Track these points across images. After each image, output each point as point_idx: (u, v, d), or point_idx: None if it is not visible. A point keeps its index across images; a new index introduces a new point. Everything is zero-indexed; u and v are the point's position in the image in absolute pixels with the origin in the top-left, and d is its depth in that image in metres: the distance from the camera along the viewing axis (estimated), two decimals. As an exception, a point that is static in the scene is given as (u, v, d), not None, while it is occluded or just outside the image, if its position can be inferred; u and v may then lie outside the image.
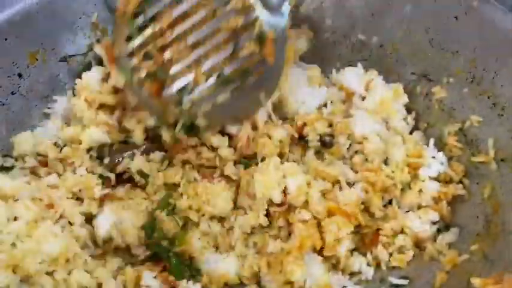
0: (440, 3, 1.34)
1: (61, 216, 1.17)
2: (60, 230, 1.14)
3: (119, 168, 1.28)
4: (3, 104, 1.33)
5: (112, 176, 1.28)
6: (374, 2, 1.48)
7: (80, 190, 1.23)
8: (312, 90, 1.38)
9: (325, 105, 1.38)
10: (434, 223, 1.23)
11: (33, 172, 1.27)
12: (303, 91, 1.37)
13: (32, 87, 1.39)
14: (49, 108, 1.41)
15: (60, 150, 1.31)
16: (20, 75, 1.36)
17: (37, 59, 1.39)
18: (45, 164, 1.28)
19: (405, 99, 1.39)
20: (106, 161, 1.29)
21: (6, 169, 1.28)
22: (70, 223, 1.19)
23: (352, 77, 1.43)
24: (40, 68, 1.40)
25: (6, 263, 1.06)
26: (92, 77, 1.36)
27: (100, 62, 1.46)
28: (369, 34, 1.52)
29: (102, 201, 1.22)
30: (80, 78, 1.38)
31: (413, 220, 1.22)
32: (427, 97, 1.41)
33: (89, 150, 1.30)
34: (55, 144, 1.32)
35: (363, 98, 1.40)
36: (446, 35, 1.35)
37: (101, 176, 1.28)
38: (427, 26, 1.39)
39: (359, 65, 1.47)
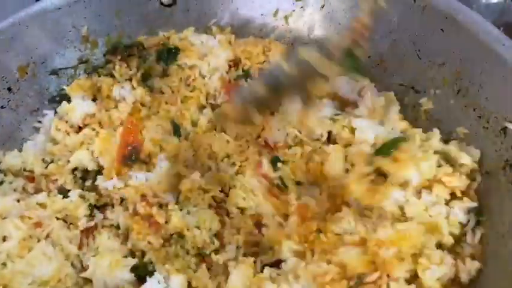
0: (427, 16, 1.36)
1: (48, 236, 1.17)
2: (52, 250, 1.13)
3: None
4: (-8, 119, 1.34)
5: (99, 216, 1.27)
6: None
7: (66, 215, 1.23)
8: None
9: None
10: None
11: (23, 188, 1.28)
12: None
13: (21, 101, 1.40)
14: (39, 122, 1.41)
15: (47, 166, 1.31)
16: (9, 89, 1.37)
17: (27, 73, 1.40)
18: (32, 179, 1.28)
19: (397, 106, 1.40)
20: (88, 183, 1.29)
21: None
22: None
23: (345, 85, 1.44)
24: (30, 81, 1.41)
25: None
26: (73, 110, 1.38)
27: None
28: (357, 45, 1.53)
29: (87, 231, 1.22)
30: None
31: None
32: (415, 108, 1.42)
33: (74, 169, 1.30)
34: (43, 160, 1.33)
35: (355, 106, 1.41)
36: (433, 47, 1.36)
37: (90, 205, 1.26)
38: (414, 37, 1.40)
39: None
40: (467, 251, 1.13)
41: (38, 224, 1.15)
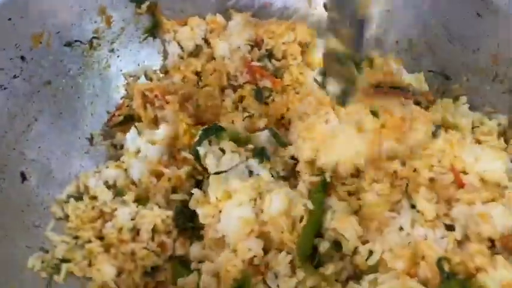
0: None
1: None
2: None
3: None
4: (5, 88, 1.24)
5: None
6: (390, -3, 1.44)
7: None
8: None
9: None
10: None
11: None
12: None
13: (35, 72, 1.31)
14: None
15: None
16: (22, 58, 1.28)
17: (41, 42, 1.32)
18: None
19: (426, 87, 1.35)
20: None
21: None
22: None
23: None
24: (44, 52, 1.32)
25: None
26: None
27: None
28: (384, 30, 1.48)
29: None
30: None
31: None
32: (444, 95, 1.37)
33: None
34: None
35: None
36: (466, 32, 1.32)
37: None
38: (446, 22, 1.36)
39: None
40: None
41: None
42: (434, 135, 1.13)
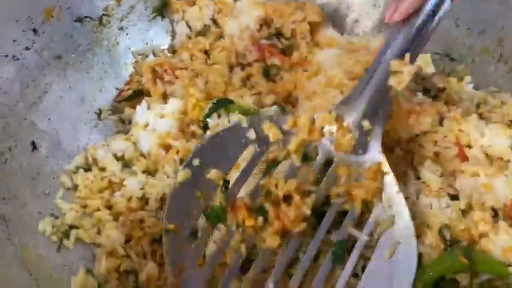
0: (468, -18, 1.33)
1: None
2: None
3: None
4: (17, 59, 1.26)
5: None
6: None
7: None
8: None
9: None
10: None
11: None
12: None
13: (46, 45, 1.33)
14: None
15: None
16: (35, 31, 1.30)
17: (52, 16, 1.33)
18: None
19: (432, 69, 1.37)
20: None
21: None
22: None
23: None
24: (55, 26, 1.34)
25: None
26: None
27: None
28: (390, 12, 1.49)
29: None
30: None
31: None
32: (450, 76, 1.39)
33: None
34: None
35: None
36: (473, 15, 1.34)
37: None
38: (453, 5, 1.36)
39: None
40: None
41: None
42: (441, 124, 1.15)
